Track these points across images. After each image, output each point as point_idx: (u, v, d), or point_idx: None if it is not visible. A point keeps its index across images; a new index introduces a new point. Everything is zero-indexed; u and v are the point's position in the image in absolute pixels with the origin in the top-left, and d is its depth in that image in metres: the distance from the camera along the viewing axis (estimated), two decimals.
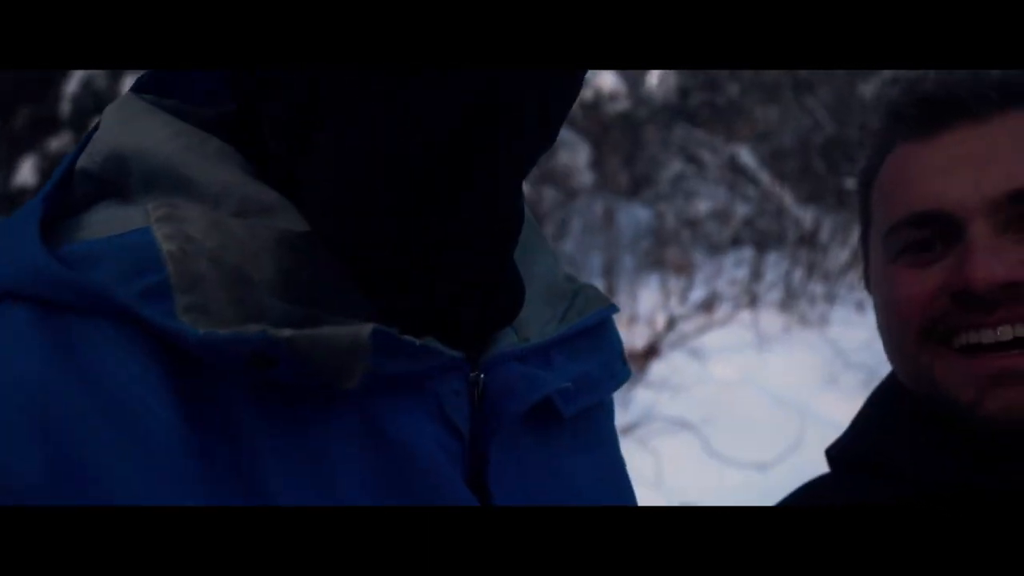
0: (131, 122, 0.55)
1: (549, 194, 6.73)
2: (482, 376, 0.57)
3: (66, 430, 0.45)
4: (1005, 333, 0.64)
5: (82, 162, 0.55)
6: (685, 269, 6.10)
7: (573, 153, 6.64)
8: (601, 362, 0.66)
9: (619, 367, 0.69)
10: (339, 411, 0.52)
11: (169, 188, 0.53)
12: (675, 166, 7.62)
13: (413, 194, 0.52)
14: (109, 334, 0.48)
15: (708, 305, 5.64)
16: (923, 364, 0.68)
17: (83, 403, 0.46)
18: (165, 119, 0.55)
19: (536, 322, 0.62)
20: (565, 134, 6.87)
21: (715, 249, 7.08)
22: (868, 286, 0.78)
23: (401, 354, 0.51)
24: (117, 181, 0.54)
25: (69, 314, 0.48)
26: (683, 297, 5.96)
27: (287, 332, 0.47)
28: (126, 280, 0.48)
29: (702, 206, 7.18)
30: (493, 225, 0.55)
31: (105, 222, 0.52)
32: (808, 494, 0.77)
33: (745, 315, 5.63)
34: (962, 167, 0.66)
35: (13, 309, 0.48)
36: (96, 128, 0.56)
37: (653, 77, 9.19)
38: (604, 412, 0.70)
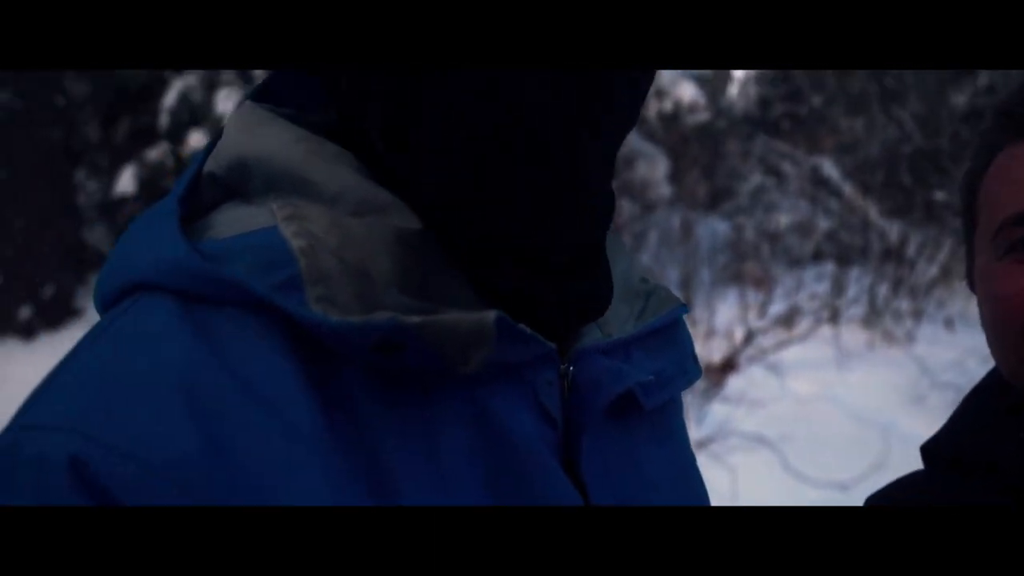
0: (253, 129, 0.58)
1: (627, 207, 6.71)
2: (571, 368, 0.59)
3: (216, 411, 0.48)
4: None
5: (208, 166, 0.59)
6: (764, 283, 6.00)
7: (652, 165, 6.60)
8: (674, 360, 0.68)
9: (691, 365, 0.71)
10: (450, 395, 0.54)
11: (290, 189, 0.56)
12: (755, 178, 7.50)
13: (518, 183, 0.53)
14: (247, 323, 0.51)
15: (787, 320, 5.53)
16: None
17: (229, 387, 0.49)
18: (284, 125, 0.58)
19: (616, 319, 0.65)
20: (643, 145, 6.84)
21: (795, 263, 6.95)
22: (972, 286, 0.78)
23: (518, 342, 0.54)
24: (240, 185, 0.57)
25: (206, 305, 0.51)
26: (762, 311, 5.86)
27: (416, 319, 0.50)
28: (260, 274, 0.51)
29: (783, 219, 7.06)
30: (591, 210, 0.57)
31: (232, 222, 0.55)
32: (899, 490, 0.78)
33: (826, 330, 5.51)
34: None
35: (158, 299, 0.51)
36: (220, 135, 0.60)
37: (734, 87, 9.09)
38: (676, 408, 0.72)
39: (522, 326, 0.53)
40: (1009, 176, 0.71)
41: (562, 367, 0.59)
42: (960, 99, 7.46)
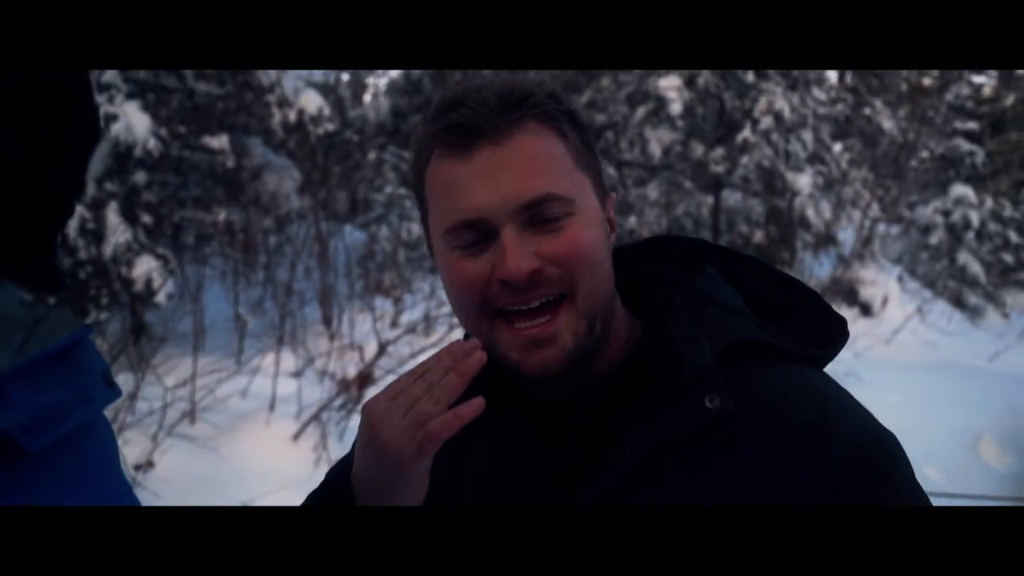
0: None
1: (257, 221, 6.44)
2: None
3: None
4: (533, 304, 0.84)
5: None
6: (393, 292, 6.06)
7: (280, 177, 6.40)
8: (74, 388, 0.65)
9: (98, 389, 0.67)
10: None
11: None
12: (389, 188, 7.59)
13: None
14: None
15: (423, 326, 5.62)
16: (483, 331, 0.86)
17: None
18: None
19: None
20: (271, 157, 6.60)
21: (433, 270, 7.13)
22: (432, 256, 0.94)
23: None
24: None
25: None
26: (394, 320, 5.91)
27: None
28: None
29: (416, 227, 7.20)
30: None
31: None
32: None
33: (459, 333, 5.68)
34: (489, 182, 0.84)
35: None
36: None
37: (367, 97, 9.13)
38: (89, 436, 0.67)
39: None
40: (442, 182, 0.87)
41: None
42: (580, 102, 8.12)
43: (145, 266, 5.21)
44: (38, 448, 0.60)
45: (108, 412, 0.80)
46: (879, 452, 0.81)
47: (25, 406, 0.60)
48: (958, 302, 10.26)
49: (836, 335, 0.90)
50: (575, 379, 0.87)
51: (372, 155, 8.04)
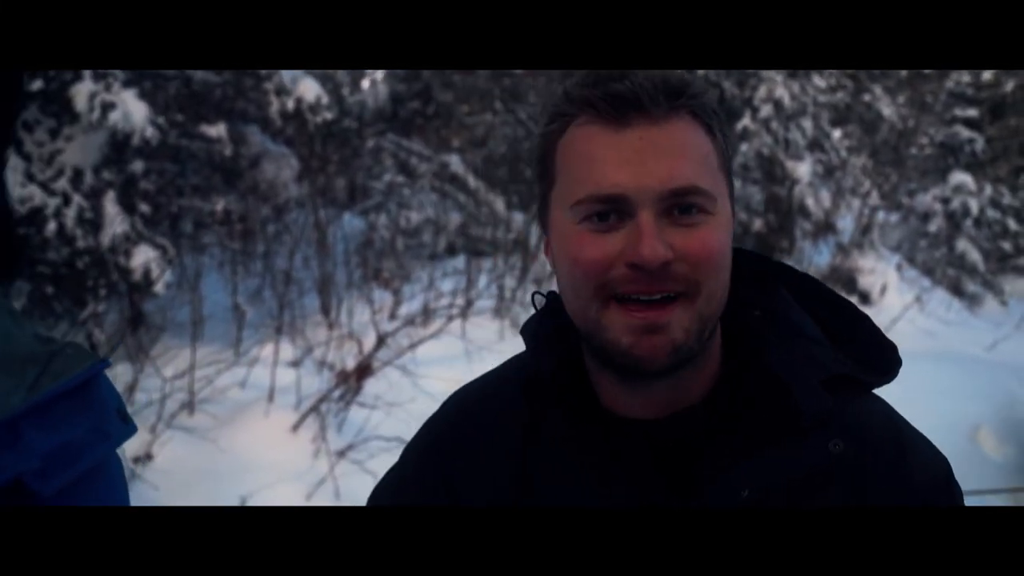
0: None
1: (256, 209, 6.41)
2: None
3: None
4: (654, 296, 0.81)
5: None
6: (392, 283, 6.04)
7: (279, 165, 6.36)
8: (89, 424, 0.64)
9: (114, 425, 0.66)
10: None
11: None
12: (388, 176, 7.55)
13: None
14: None
15: (421, 318, 5.61)
16: (592, 313, 0.83)
17: None
18: None
19: None
20: (270, 145, 6.56)
21: (431, 258, 7.11)
22: (544, 228, 0.91)
23: None
24: None
25: None
26: (393, 312, 5.90)
27: None
28: None
29: (415, 215, 7.17)
30: None
31: None
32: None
33: (457, 325, 5.67)
34: (638, 160, 0.81)
35: None
36: None
37: (365, 84, 9.08)
38: (105, 477, 0.66)
39: None
40: (583, 151, 0.83)
41: None
42: None
43: (143, 256, 5.18)
44: (51, 492, 0.60)
45: None
46: (948, 482, 0.85)
47: (40, 448, 0.59)
48: (956, 290, 10.26)
49: (892, 361, 0.90)
50: (665, 395, 0.85)
51: (371, 142, 7.99)
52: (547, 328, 0.94)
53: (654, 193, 0.80)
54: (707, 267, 0.82)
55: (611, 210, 0.81)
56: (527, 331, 0.96)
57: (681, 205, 0.81)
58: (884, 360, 0.89)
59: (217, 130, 5.82)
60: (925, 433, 0.88)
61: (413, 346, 5.04)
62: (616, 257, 0.81)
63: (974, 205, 10.74)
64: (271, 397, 4.90)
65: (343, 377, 4.82)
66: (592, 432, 0.87)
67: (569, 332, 0.90)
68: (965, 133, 11.87)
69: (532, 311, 0.98)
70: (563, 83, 0.87)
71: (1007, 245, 11.56)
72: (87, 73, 4.82)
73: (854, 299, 9.01)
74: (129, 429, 0.68)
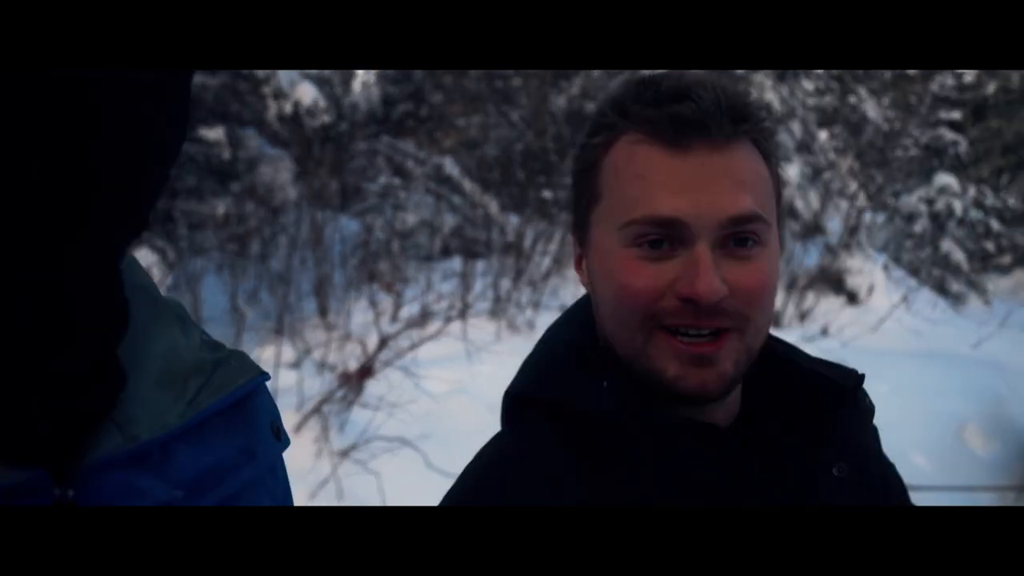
0: None
1: (253, 211, 6.44)
2: (71, 492, 0.50)
3: None
4: (703, 331, 0.78)
5: None
6: (394, 287, 6.09)
7: (276, 168, 6.39)
8: (241, 444, 0.61)
9: (263, 445, 0.64)
10: None
11: None
12: (383, 178, 7.59)
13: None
14: None
15: (421, 320, 5.67)
16: (638, 342, 0.79)
17: None
18: None
19: (148, 413, 0.55)
20: (266, 148, 6.60)
21: (426, 259, 7.16)
22: (581, 244, 0.87)
23: None
24: None
25: None
26: (394, 314, 5.95)
27: None
28: None
29: (410, 217, 7.22)
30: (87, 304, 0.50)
31: None
32: (518, 440, 0.88)
33: (456, 326, 5.72)
34: (700, 185, 0.77)
35: None
36: None
37: (357, 85, 9.10)
38: (249, 497, 0.63)
39: None
40: (637, 170, 0.79)
41: (58, 491, 0.49)
42: (560, 101, 8.16)
43: (143, 259, 5.21)
44: None
45: None
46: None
47: (187, 473, 0.56)
48: (942, 289, 10.40)
49: (851, 370, 0.93)
50: (719, 412, 0.84)
51: (363, 145, 8.04)
52: (592, 362, 0.85)
53: (714, 221, 0.77)
54: (759, 302, 0.80)
55: (665, 236, 0.78)
56: (568, 376, 0.85)
57: (737, 236, 0.79)
58: (845, 368, 0.89)
59: (215, 133, 5.85)
60: (913, 430, 0.98)
61: (414, 347, 5.10)
62: (667, 288, 0.78)
63: (958, 206, 10.90)
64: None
65: (345, 378, 4.87)
66: (680, 435, 0.81)
67: (606, 353, 0.85)
68: (949, 135, 12.03)
69: (528, 313, 0.97)
70: (607, 86, 0.86)
71: (990, 245, 11.73)
72: None
73: (842, 299, 9.13)
74: (281, 445, 0.66)
